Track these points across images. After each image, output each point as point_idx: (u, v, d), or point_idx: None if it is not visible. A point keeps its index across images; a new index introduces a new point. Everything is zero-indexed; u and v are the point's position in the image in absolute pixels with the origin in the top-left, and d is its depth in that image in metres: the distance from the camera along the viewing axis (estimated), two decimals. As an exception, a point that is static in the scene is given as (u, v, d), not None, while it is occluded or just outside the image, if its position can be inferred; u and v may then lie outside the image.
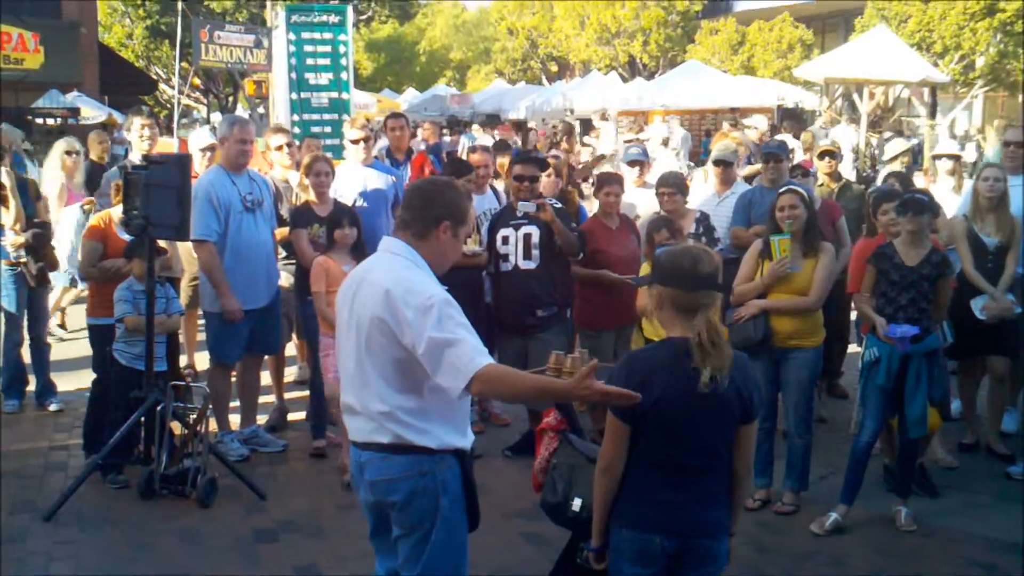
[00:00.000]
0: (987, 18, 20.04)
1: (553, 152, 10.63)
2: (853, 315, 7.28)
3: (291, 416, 7.06)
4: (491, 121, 25.78)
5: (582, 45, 32.84)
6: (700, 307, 3.07)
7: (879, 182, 9.16)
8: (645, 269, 5.88)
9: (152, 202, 5.39)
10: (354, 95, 12.54)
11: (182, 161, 5.82)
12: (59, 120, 20.89)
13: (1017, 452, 6.30)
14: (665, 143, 14.98)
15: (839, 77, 17.75)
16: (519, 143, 18.71)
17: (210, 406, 5.86)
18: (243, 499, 5.59)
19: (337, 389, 5.70)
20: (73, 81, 22.59)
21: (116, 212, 6.08)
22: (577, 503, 3.50)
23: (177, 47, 15.38)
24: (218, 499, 5.57)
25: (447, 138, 18.24)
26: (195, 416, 5.65)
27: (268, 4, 24.86)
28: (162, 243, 5.98)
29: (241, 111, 26.14)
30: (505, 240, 6.16)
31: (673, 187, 6.47)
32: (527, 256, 6.11)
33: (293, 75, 11.13)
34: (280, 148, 7.54)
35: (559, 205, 6.32)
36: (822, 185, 7.77)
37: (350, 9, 12.53)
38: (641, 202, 7.50)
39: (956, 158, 8.25)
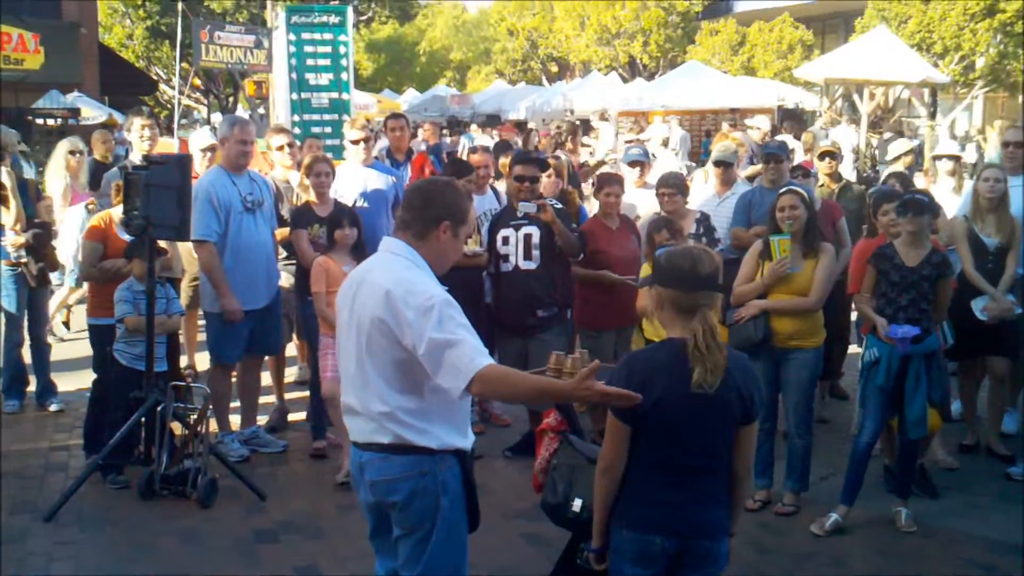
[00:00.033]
0: (987, 19, 20.03)
1: (557, 152, 10.64)
2: (853, 316, 7.28)
3: (291, 417, 7.06)
4: (491, 122, 25.81)
5: (582, 46, 32.85)
6: (700, 307, 3.07)
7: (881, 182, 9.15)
8: (646, 270, 5.88)
9: (152, 202, 5.39)
10: (354, 96, 12.55)
11: (182, 161, 5.82)
12: (59, 121, 20.88)
13: (1017, 453, 6.29)
14: (665, 143, 14.98)
15: (839, 78, 17.76)
16: (520, 144, 18.71)
17: (210, 406, 5.86)
18: (243, 500, 5.59)
19: (334, 388, 5.74)
20: (73, 81, 22.59)
21: (116, 212, 6.08)
22: (577, 504, 3.50)
23: (177, 47, 15.39)
24: (218, 500, 5.57)
25: (447, 139, 18.26)
26: (195, 416, 5.66)
27: (268, 4, 24.89)
28: (162, 243, 5.98)
29: (241, 111, 26.14)
30: (505, 240, 6.16)
31: (673, 188, 6.47)
32: (527, 256, 6.11)
33: (293, 75, 11.14)
34: (281, 148, 7.54)
35: (559, 206, 6.32)
36: (822, 186, 7.77)
37: (350, 10, 12.54)
38: (641, 203, 7.49)
39: (956, 159, 8.24)
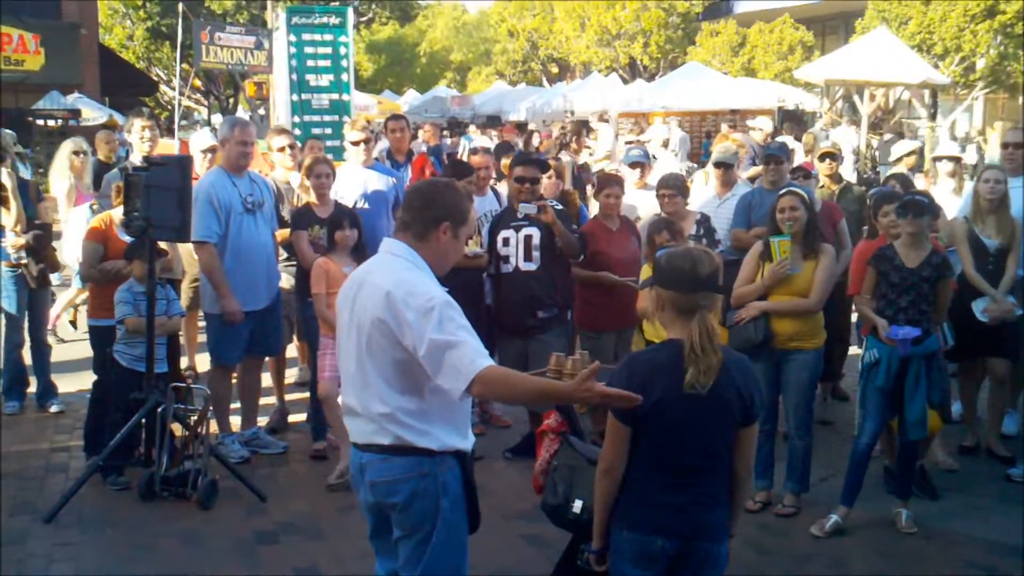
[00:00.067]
0: (987, 20, 20.04)
1: (562, 153, 10.64)
2: (854, 317, 7.28)
3: (292, 418, 7.06)
4: (490, 123, 25.82)
5: (583, 47, 32.87)
6: (700, 309, 3.07)
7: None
8: (646, 271, 5.88)
9: (153, 204, 5.39)
10: (355, 97, 12.56)
11: (183, 163, 5.82)
12: (59, 122, 20.90)
13: (1017, 454, 6.29)
14: (665, 145, 14.99)
15: (840, 79, 17.76)
16: (521, 145, 18.71)
17: (211, 408, 5.86)
18: (244, 501, 5.59)
19: (330, 388, 5.76)
20: (74, 82, 22.62)
21: (117, 214, 6.08)
22: (578, 505, 3.50)
23: (178, 48, 15.42)
24: (219, 501, 5.57)
25: (447, 140, 18.26)
26: (196, 418, 5.65)
27: (269, 5, 24.92)
28: (163, 245, 5.98)
29: (242, 113, 26.16)
30: (506, 242, 6.16)
31: (674, 189, 6.48)
32: (528, 258, 6.11)
33: (294, 77, 11.15)
34: (283, 149, 7.54)
35: (560, 207, 6.33)
36: (823, 187, 7.77)
37: (351, 11, 12.55)
38: (642, 204, 7.49)
39: (956, 160, 8.24)
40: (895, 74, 16.44)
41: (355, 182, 7.10)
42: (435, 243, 3.26)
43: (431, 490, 3.16)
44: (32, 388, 7.31)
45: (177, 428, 5.72)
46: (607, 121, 20.23)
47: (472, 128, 23.10)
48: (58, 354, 7.95)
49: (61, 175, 9.31)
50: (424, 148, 12.69)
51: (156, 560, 4.92)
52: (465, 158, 8.64)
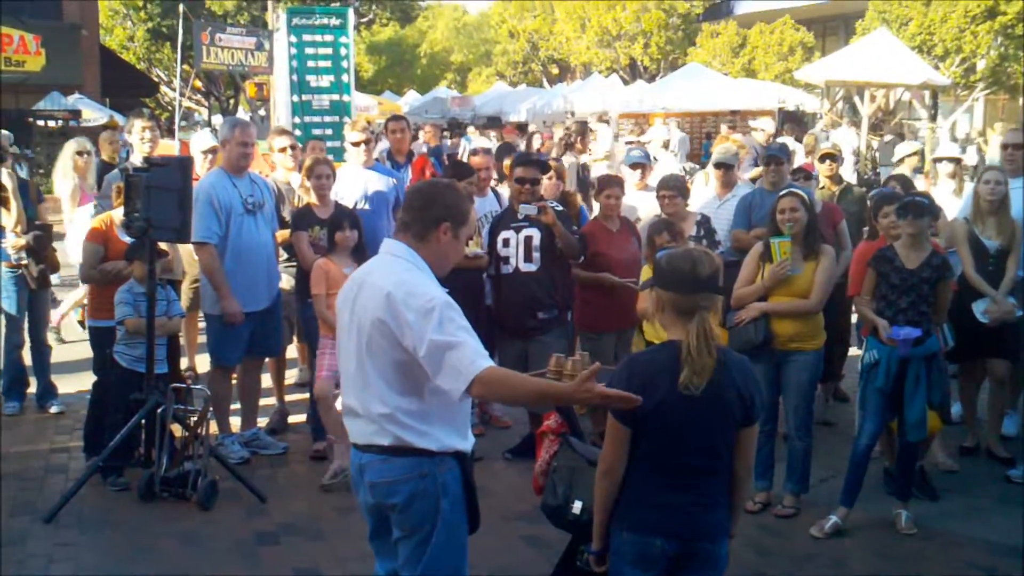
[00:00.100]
0: (988, 21, 20.06)
1: (567, 154, 10.64)
2: (854, 318, 7.28)
3: (292, 419, 7.06)
4: (490, 123, 25.83)
5: (583, 48, 32.89)
6: (700, 310, 3.07)
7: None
8: (646, 272, 5.88)
9: (153, 204, 5.39)
10: (355, 97, 12.56)
11: (183, 163, 5.83)
12: (60, 122, 20.91)
13: (1017, 455, 6.29)
14: (666, 146, 14.99)
15: (840, 80, 17.77)
16: (523, 147, 18.72)
17: (211, 408, 5.86)
18: (244, 501, 5.59)
19: (326, 388, 5.76)
20: (74, 83, 22.65)
21: (117, 214, 6.09)
22: (578, 506, 3.50)
23: (178, 49, 15.42)
24: (219, 501, 5.56)
25: (448, 141, 18.27)
26: (196, 418, 5.65)
27: (269, 6, 24.93)
28: (163, 245, 5.98)
29: (242, 113, 26.19)
30: (506, 243, 6.16)
31: (674, 190, 6.48)
32: (528, 259, 6.11)
33: (294, 77, 11.15)
34: (284, 150, 7.55)
35: (560, 208, 6.33)
36: (823, 188, 7.77)
37: (351, 12, 12.55)
38: (642, 205, 7.49)
39: (957, 161, 8.25)
40: (895, 75, 16.45)
41: (355, 183, 7.10)
42: (435, 244, 3.26)
43: (431, 491, 3.17)
44: (32, 389, 7.31)
45: (177, 429, 5.72)
46: (606, 122, 20.23)
47: (471, 129, 23.09)
48: (58, 355, 7.95)
49: (65, 175, 9.31)
50: (424, 149, 12.71)
51: (156, 561, 4.92)
52: (465, 159, 8.64)
